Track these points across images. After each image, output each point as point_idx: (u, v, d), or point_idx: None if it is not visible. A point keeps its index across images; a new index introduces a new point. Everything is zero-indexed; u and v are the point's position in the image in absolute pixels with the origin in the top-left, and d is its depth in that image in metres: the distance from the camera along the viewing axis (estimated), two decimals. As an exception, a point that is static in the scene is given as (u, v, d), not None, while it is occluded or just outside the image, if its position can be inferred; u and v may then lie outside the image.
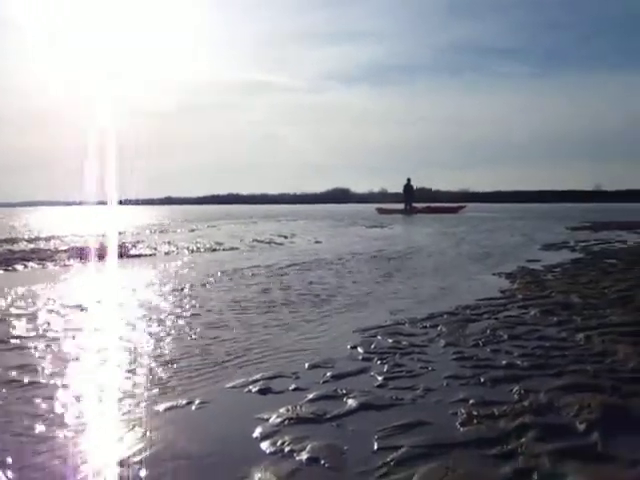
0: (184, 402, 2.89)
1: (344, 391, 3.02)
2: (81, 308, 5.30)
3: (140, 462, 2.23)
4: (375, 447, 2.36)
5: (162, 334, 4.28)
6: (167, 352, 3.79)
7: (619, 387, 2.99)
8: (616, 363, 3.44)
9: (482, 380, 3.18)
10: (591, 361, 3.49)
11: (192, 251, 11.32)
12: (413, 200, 36.87)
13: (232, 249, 11.73)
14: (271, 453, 2.32)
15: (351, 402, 2.87)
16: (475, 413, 2.68)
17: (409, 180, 35.63)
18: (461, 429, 2.53)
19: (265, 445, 2.39)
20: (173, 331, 4.38)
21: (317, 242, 13.51)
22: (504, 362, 3.49)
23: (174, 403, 2.88)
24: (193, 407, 2.85)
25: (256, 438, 2.47)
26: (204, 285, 6.67)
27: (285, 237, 15.29)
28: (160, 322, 4.67)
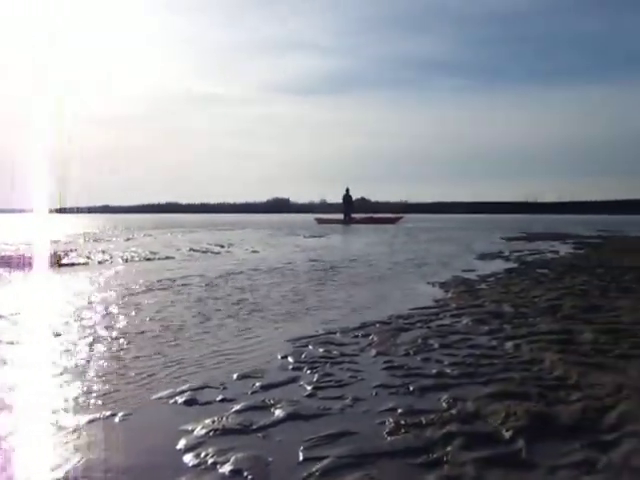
0: (107, 414, 2.81)
1: (272, 401, 2.97)
2: None
3: (59, 478, 2.15)
4: (300, 458, 2.33)
5: (85, 345, 4.15)
6: (91, 364, 3.68)
7: (545, 395, 3.02)
8: (543, 371, 3.48)
9: (411, 389, 3.17)
10: (519, 369, 3.52)
11: (126, 260, 11.12)
12: (352, 210, 37.09)
13: (167, 258, 11.56)
14: (194, 465, 2.26)
15: (278, 412, 2.82)
16: (403, 422, 2.67)
17: (348, 190, 35.86)
18: (388, 438, 2.51)
19: (188, 457, 2.33)
20: (98, 342, 4.25)
21: (254, 252, 13.44)
22: (434, 371, 3.50)
23: (97, 416, 2.78)
24: (116, 419, 2.76)
25: (179, 450, 2.40)
26: (134, 295, 6.53)
27: (222, 246, 15.17)
28: (84, 333, 4.54)
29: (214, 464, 2.27)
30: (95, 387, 3.20)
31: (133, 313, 5.37)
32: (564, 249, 14.41)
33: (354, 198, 38.44)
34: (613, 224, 39.49)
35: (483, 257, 11.86)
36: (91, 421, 2.72)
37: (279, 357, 3.86)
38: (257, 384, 3.27)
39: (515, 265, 10.08)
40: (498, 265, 10.15)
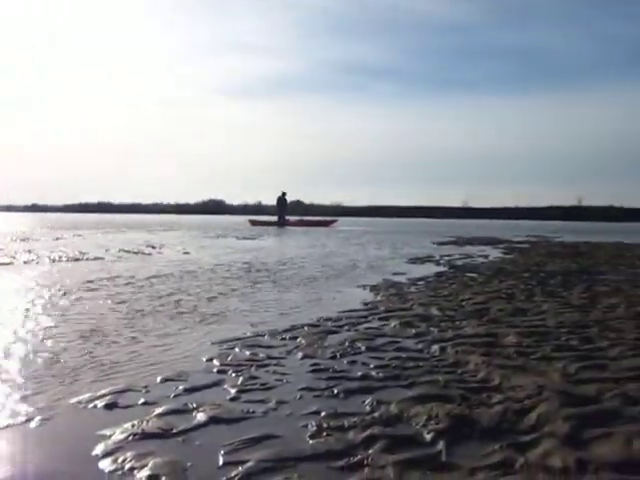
0: (22, 420, 2.71)
1: (194, 405, 2.93)
2: None
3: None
4: (220, 462, 2.29)
5: (2, 347, 4.02)
6: (5, 367, 3.56)
7: (467, 397, 3.05)
8: (467, 373, 3.53)
9: (336, 392, 3.16)
10: (443, 372, 3.56)
11: (54, 260, 10.85)
12: (286, 213, 37.06)
13: (97, 259, 11.32)
14: (110, 472, 2.20)
15: (200, 416, 2.78)
16: (325, 425, 2.66)
17: (284, 193, 35.82)
18: (310, 442, 2.50)
19: (105, 463, 2.27)
20: (16, 344, 4.13)
21: (186, 253, 13.29)
22: (359, 373, 3.50)
23: (11, 422, 2.69)
24: (32, 425, 2.67)
25: (96, 456, 2.34)
26: (57, 296, 6.36)
27: (153, 247, 14.96)
28: (2, 335, 4.40)
29: (131, 469, 2.22)
30: (10, 391, 3.10)
31: (55, 314, 5.23)
32: (493, 253, 14.68)
33: (289, 201, 38.41)
34: (540, 229, 40.41)
35: (414, 261, 11.99)
36: (5, 427, 2.63)
37: (204, 360, 3.81)
38: (180, 387, 3.22)
39: (445, 269, 10.22)
40: (428, 269, 10.28)
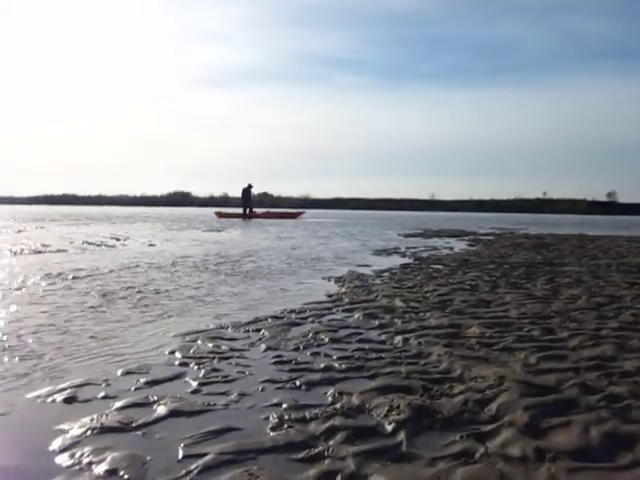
0: (-22, 415, 2.67)
1: (155, 398, 2.90)
2: None
3: None
4: (180, 455, 2.28)
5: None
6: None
7: (429, 388, 3.07)
8: (429, 364, 3.55)
9: (298, 384, 3.16)
10: (406, 363, 3.57)
11: (15, 253, 10.67)
12: (253, 205, 36.94)
13: (59, 251, 11.16)
14: (67, 467, 2.17)
15: (161, 409, 2.76)
16: (287, 417, 2.66)
17: (250, 185, 35.64)
18: (271, 434, 2.49)
19: (62, 458, 2.24)
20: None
21: (151, 245, 13.18)
22: (322, 365, 3.51)
23: (-33, 416, 2.65)
24: (-12, 420, 2.63)
25: (53, 451, 2.31)
26: (18, 288, 6.27)
27: (118, 239, 14.81)
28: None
29: (89, 464, 2.19)
30: (-33, 386, 3.05)
31: (15, 307, 5.14)
32: (459, 245, 14.79)
33: (256, 193, 38.30)
34: (505, 221, 40.80)
35: (379, 253, 12.03)
36: (-40, 422, 2.58)
37: (166, 352, 3.78)
38: (141, 380, 3.19)
39: (410, 261, 10.28)
40: (393, 261, 10.32)
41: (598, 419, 2.61)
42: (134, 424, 2.58)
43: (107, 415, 2.67)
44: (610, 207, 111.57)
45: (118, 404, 2.82)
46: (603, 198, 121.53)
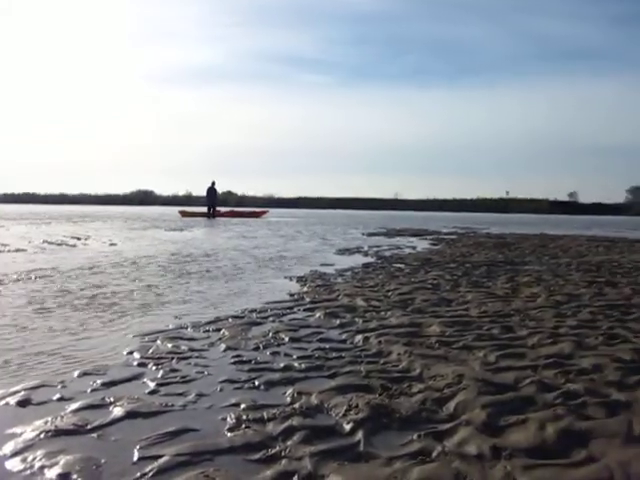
0: None
1: (112, 399, 2.87)
2: None
3: None
4: (135, 458, 2.25)
5: None
6: None
7: (388, 387, 3.07)
8: (389, 363, 3.55)
9: (257, 383, 3.15)
10: (366, 362, 3.58)
11: (-28, 253, 10.49)
12: (217, 203, 36.74)
13: (18, 251, 10.97)
14: (18, 471, 2.13)
15: (117, 411, 2.72)
16: (244, 418, 2.64)
17: (213, 183, 35.43)
18: (228, 434, 2.47)
19: (13, 463, 2.19)
20: None
21: (112, 244, 13.02)
22: (282, 365, 3.49)
23: None
24: (-63, 424, 2.57)
25: (4, 455, 2.25)
26: (-23, 289, 6.16)
27: (79, 239, 14.61)
28: None
29: (41, 468, 2.15)
30: None
31: (-29, 309, 5.04)
32: (421, 244, 14.88)
33: (220, 192, 38.09)
34: (468, 221, 41.15)
35: (342, 252, 12.06)
36: None
37: (124, 353, 3.73)
38: (98, 381, 3.14)
39: (372, 260, 10.31)
40: (356, 260, 10.35)
41: (554, 416, 2.63)
42: (89, 426, 2.54)
43: (62, 417, 2.62)
44: (571, 207, 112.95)
45: (73, 406, 2.78)
46: (565, 198, 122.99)
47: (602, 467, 2.17)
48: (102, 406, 2.79)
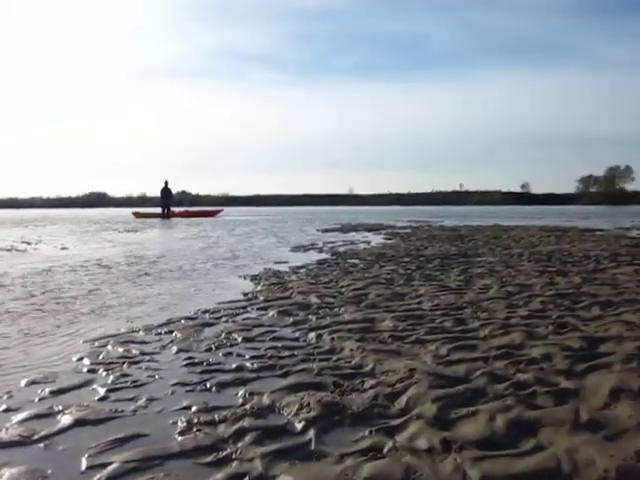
0: None
1: (60, 408, 2.81)
2: None
3: None
4: (83, 466, 2.21)
5: None
6: None
7: (340, 384, 3.07)
8: (341, 360, 3.55)
9: (209, 385, 3.12)
10: (318, 359, 3.58)
11: None
12: (171, 203, 36.46)
13: (-35, 258, 10.76)
14: (-40, 487, 2.08)
15: (66, 419, 2.67)
16: (195, 421, 2.62)
17: (167, 183, 35.13)
18: (179, 438, 2.45)
19: (-45, 477, 2.14)
20: None
21: (64, 248, 12.83)
22: (234, 365, 3.47)
23: None
24: None
25: (-55, 470, 2.20)
26: None
27: (29, 243, 14.37)
28: None
29: (-16, 482, 2.10)
30: None
31: None
32: (376, 239, 14.94)
33: (174, 191, 37.79)
34: (423, 214, 41.50)
35: (297, 249, 12.05)
36: None
37: (74, 359, 3.67)
38: (47, 390, 3.08)
39: (327, 256, 10.32)
40: (311, 256, 10.35)
41: (504, 407, 2.66)
42: (36, 436, 2.48)
43: (7, 429, 2.56)
44: (524, 197, 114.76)
45: (20, 416, 2.71)
46: (517, 189, 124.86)
47: (549, 455, 2.20)
48: (50, 415, 2.74)
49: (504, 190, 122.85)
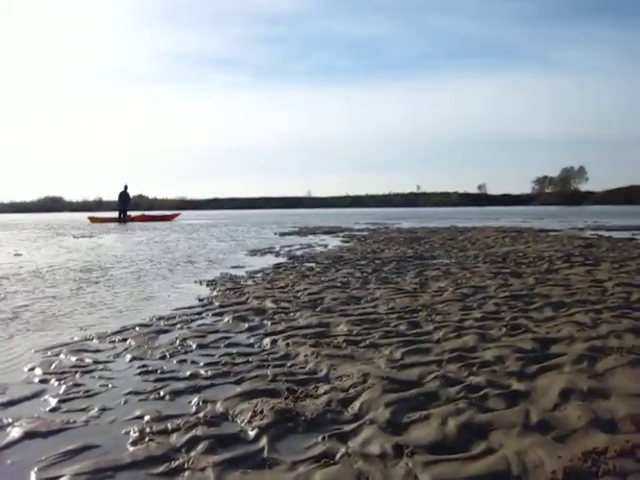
0: None
1: (10, 420, 2.76)
2: None
3: None
4: (33, 480, 2.18)
5: None
6: None
7: (294, 390, 3.08)
8: (296, 366, 3.56)
9: (162, 394, 3.11)
10: (273, 365, 3.58)
11: None
12: (129, 208, 36.11)
13: None
14: None
15: (15, 432, 2.63)
16: (148, 430, 2.60)
17: (126, 187, 34.77)
18: (131, 449, 2.43)
19: None
20: None
21: (17, 255, 12.61)
22: (188, 373, 3.46)
23: None
24: None
25: None
26: None
27: (-19, 250, 14.11)
28: None
29: None
30: None
31: None
32: (333, 242, 14.98)
33: (131, 195, 37.40)
34: (381, 216, 41.70)
35: (254, 253, 12.03)
36: None
37: (25, 370, 3.61)
38: (-4, 402, 3.03)
39: (284, 260, 10.32)
40: (267, 260, 10.34)
41: (456, 410, 2.70)
42: (-17, 451, 2.44)
43: (-48, 444, 2.51)
44: (481, 199, 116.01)
45: (-34, 431, 2.67)
46: (474, 190, 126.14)
47: (500, 458, 2.24)
48: (-1, 428, 2.70)
49: (461, 191, 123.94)
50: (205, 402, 2.94)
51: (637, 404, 2.69)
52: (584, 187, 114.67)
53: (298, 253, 11.66)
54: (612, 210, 51.35)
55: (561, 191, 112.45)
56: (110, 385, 3.29)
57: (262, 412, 2.73)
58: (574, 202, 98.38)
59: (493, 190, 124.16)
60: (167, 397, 3.06)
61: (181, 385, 3.24)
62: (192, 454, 2.36)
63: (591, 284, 6.38)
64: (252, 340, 4.26)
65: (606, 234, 15.76)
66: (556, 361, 3.45)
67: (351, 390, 3.03)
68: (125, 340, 4.31)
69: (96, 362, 3.76)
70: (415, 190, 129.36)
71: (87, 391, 3.19)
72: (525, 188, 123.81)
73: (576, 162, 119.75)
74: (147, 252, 12.67)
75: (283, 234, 19.90)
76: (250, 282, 7.32)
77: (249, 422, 2.66)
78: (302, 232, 20.93)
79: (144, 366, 3.64)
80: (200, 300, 6.04)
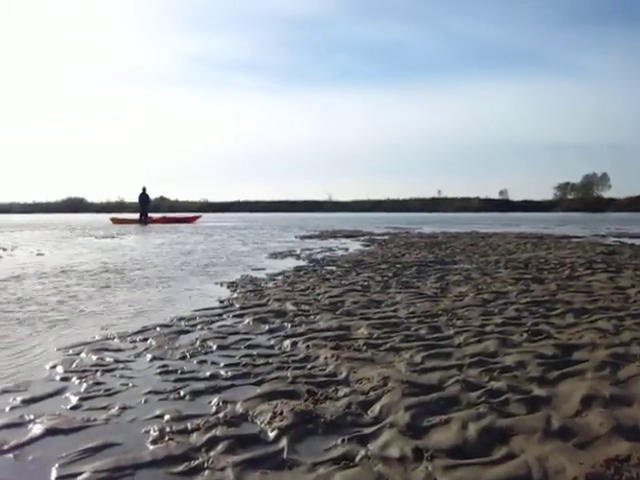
0: None
1: (32, 417, 2.78)
2: None
3: None
4: (53, 477, 2.19)
5: None
6: None
7: (314, 392, 3.07)
8: (316, 368, 3.56)
9: (182, 394, 3.11)
10: (293, 367, 3.57)
11: None
12: (149, 210, 36.33)
13: (-60, 264, 10.64)
14: None
15: (37, 428, 2.65)
16: (168, 429, 2.61)
17: (144, 189, 34.99)
18: (151, 447, 2.44)
19: None
20: None
21: (40, 254, 12.72)
22: (208, 373, 3.47)
23: None
24: None
25: None
26: None
27: (4, 249, 14.22)
28: None
29: (-49, 495, 2.08)
30: None
31: None
32: (354, 246, 14.97)
33: (152, 197, 37.64)
34: (402, 221, 41.62)
35: (275, 256, 12.04)
36: None
37: (47, 367, 3.64)
38: (18, 399, 3.05)
39: (304, 263, 10.32)
40: (288, 263, 10.34)
41: (477, 415, 2.68)
42: (6, 446, 2.46)
43: (-24, 440, 2.53)
44: (502, 204, 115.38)
45: (-10, 426, 2.69)
46: (496, 196, 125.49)
47: (520, 463, 2.22)
48: (21, 424, 2.71)
49: (482, 197, 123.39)
50: (225, 402, 2.94)
51: (661, 412, 2.66)
52: (607, 194, 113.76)
53: (319, 256, 11.66)
54: (635, 217, 50.90)
55: (583, 198, 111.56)
56: (130, 384, 3.30)
57: (282, 413, 2.73)
58: (596, 209, 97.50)
59: (515, 196, 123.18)
60: (187, 397, 3.07)
61: (201, 385, 3.24)
62: (212, 454, 2.36)
63: (613, 291, 6.33)
64: (272, 342, 4.26)
65: (629, 241, 15.65)
66: (578, 367, 3.43)
67: (371, 393, 3.02)
68: (146, 340, 4.32)
69: (117, 361, 3.78)
70: (436, 195, 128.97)
71: (108, 390, 3.20)
72: (547, 194, 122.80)
73: (599, 169, 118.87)
74: (168, 253, 12.74)
75: (304, 237, 19.91)
76: (271, 284, 7.33)
77: (269, 423, 2.66)
78: (323, 235, 20.94)
79: (164, 366, 3.65)
80: (221, 302, 6.06)
